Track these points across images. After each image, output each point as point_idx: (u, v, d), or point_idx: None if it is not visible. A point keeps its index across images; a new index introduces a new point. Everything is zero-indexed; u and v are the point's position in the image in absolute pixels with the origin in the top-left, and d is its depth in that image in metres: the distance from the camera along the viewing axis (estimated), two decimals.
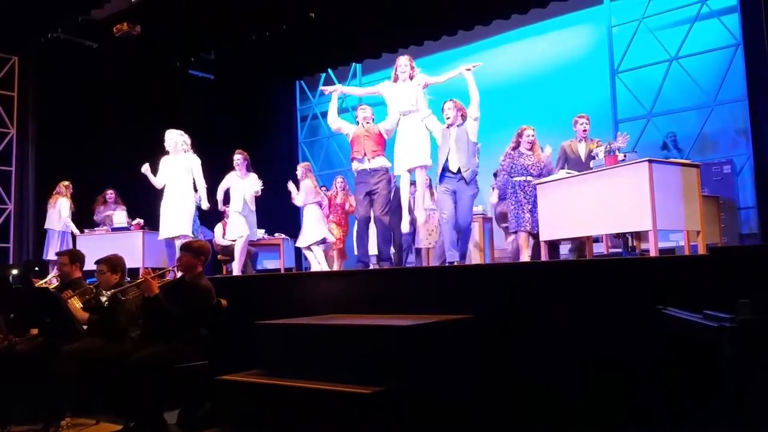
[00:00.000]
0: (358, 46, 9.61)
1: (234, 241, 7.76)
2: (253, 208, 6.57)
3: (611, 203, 4.51)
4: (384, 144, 5.54)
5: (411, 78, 5.47)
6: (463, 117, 5.28)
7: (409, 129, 5.36)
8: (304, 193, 7.04)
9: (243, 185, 6.53)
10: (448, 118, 5.28)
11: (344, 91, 6.13)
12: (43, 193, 8.83)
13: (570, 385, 3.34)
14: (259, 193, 6.59)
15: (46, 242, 7.92)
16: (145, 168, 6.31)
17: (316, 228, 6.92)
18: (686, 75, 7.84)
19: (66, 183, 8.11)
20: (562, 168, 5.67)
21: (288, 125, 11.79)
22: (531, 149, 5.66)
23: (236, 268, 6.48)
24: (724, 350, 1.90)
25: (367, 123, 5.57)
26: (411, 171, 5.35)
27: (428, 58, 10.13)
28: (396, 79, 5.52)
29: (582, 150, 5.70)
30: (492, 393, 3.51)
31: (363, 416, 2.91)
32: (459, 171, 5.14)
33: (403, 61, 5.51)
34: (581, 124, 5.81)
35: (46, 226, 8.00)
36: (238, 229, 6.49)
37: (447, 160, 5.18)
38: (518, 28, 9.06)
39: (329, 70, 10.81)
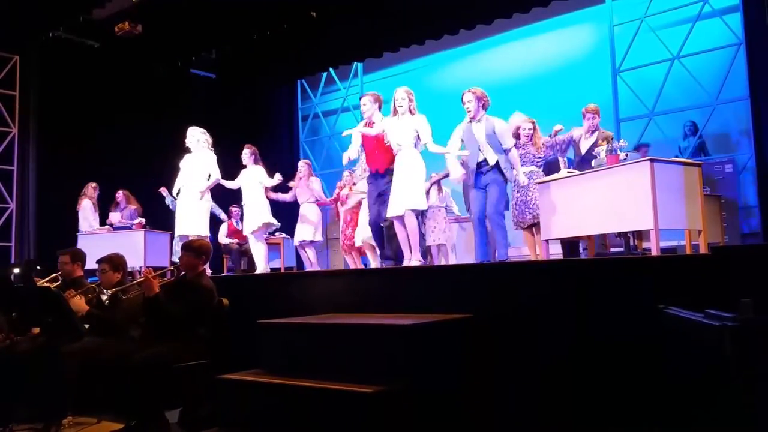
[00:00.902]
0: (359, 45, 9.61)
1: (234, 242, 7.77)
2: (262, 198, 6.46)
3: (613, 202, 4.50)
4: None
5: (411, 112, 5.13)
6: (485, 107, 5.00)
7: (403, 169, 5.04)
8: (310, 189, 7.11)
9: (251, 177, 6.51)
10: (469, 111, 4.98)
11: (349, 132, 5.65)
12: (45, 193, 8.86)
13: (570, 385, 3.34)
14: (273, 183, 6.48)
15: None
16: (165, 192, 6.36)
17: (307, 227, 7.01)
18: (688, 74, 7.82)
19: (93, 184, 8.12)
20: (565, 150, 5.68)
21: (289, 124, 11.80)
22: (530, 140, 5.60)
23: (261, 266, 6.41)
24: (725, 349, 1.90)
25: (379, 131, 5.32)
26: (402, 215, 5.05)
27: (429, 57, 10.16)
28: (395, 113, 5.17)
29: (585, 145, 5.59)
30: (492, 392, 3.51)
31: (364, 415, 2.91)
32: (486, 164, 4.90)
33: (400, 94, 5.14)
34: (588, 118, 5.69)
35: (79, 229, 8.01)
36: (251, 220, 6.41)
37: (477, 158, 4.92)
38: (520, 27, 9.05)
39: (330, 69, 10.81)
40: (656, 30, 8.09)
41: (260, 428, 3.34)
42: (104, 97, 9.23)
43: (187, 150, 6.40)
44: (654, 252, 4.16)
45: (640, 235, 5.26)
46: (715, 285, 2.81)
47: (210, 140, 6.40)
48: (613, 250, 5.81)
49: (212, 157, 6.34)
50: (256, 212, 6.41)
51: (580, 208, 4.78)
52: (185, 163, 6.36)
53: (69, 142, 8.87)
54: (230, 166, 6.72)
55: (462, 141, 5.07)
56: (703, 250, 4.40)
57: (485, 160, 4.91)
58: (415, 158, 5.09)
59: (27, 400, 4.20)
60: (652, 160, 4.26)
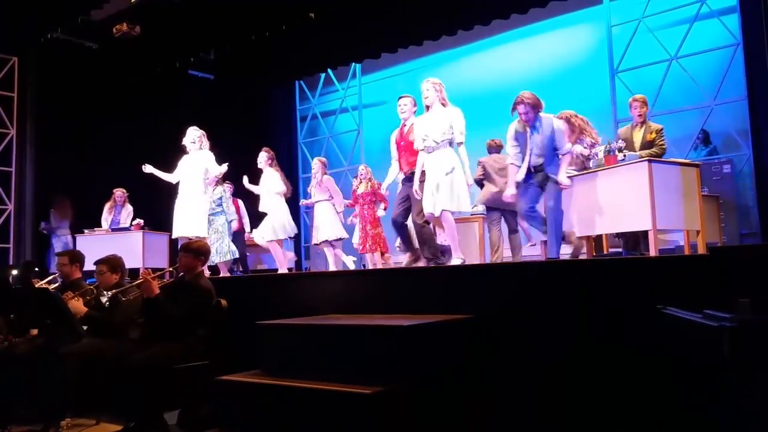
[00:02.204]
0: (357, 46, 9.62)
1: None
2: (277, 207, 6.39)
3: (611, 203, 4.51)
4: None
5: (443, 104, 4.78)
6: (537, 110, 4.56)
7: (438, 168, 4.66)
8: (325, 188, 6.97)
9: (265, 182, 6.51)
10: (522, 114, 4.58)
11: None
12: (43, 194, 8.85)
13: (570, 385, 3.34)
14: (286, 193, 6.46)
15: None
16: (149, 168, 6.33)
17: (330, 226, 6.85)
18: (686, 75, 7.84)
19: (114, 189, 8.13)
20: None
21: (287, 125, 11.81)
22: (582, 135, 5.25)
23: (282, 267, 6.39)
24: (724, 350, 1.90)
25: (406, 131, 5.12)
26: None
27: (428, 58, 10.16)
28: (427, 108, 4.84)
29: (638, 137, 5.17)
30: (492, 393, 3.51)
31: (364, 416, 2.91)
32: (539, 169, 4.54)
33: (425, 85, 4.79)
34: (635, 108, 5.25)
35: None
36: (267, 230, 6.37)
37: (530, 161, 4.58)
38: (518, 27, 9.06)
39: (329, 70, 10.82)
40: (654, 31, 8.11)
41: (259, 429, 3.33)
42: (102, 99, 9.22)
43: (185, 150, 6.40)
44: (652, 252, 4.17)
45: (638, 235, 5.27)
46: (714, 285, 2.82)
47: (207, 143, 6.39)
48: (611, 250, 5.82)
49: (210, 156, 6.34)
50: (275, 223, 6.35)
51: (579, 208, 4.78)
52: (183, 164, 6.36)
53: (67, 144, 8.87)
54: (229, 167, 6.71)
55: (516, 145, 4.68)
56: (701, 250, 4.41)
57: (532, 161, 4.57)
58: (450, 156, 4.72)
59: (26, 402, 4.20)
60: (650, 161, 4.27)
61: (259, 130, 11.05)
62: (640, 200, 4.22)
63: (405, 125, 5.22)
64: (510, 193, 4.73)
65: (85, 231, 7.81)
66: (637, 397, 3.09)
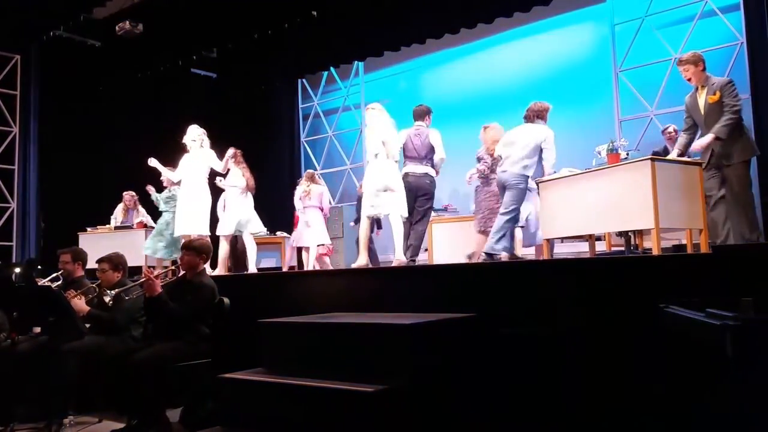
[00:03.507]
0: (360, 44, 9.62)
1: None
2: (242, 203, 6.40)
3: (613, 202, 4.50)
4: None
5: (380, 124, 5.48)
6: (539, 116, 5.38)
7: (376, 175, 5.37)
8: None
9: (231, 180, 6.51)
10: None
11: None
12: (45, 192, 8.87)
13: (572, 384, 3.34)
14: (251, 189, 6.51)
15: None
16: (154, 162, 6.35)
17: (310, 232, 7.28)
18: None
19: (123, 193, 8.20)
20: (690, 128, 4.75)
21: (290, 124, 11.80)
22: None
23: (251, 266, 6.40)
24: (726, 349, 1.90)
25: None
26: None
27: (430, 56, 10.15)
28: None
29: (702, 101, 4.55)
30: (494, 391, 3.51)
31: (367, 415, 2.91)
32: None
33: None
34: (682, 71, 4.59)
35: None
36: (232, 223, 6.39)
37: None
38: (521, 25, 9.04)
39: (331, 68, 10.81)
40: (657, 29, 8.09)
41: (262, 427, 3.34)
42: (105, 97, 9.24)
43: (186, 149, 6.39)
44: (655, 251, 4.16)
45: (641, 234, 5.26)
46: (716, 284, 2.82)
47: (208, 141, 6.39)
48: (614, 249, 5.81)
49: (212, 154, 6.36)
50: (241, 218, 6.31)
51: (581, 207, 4.77)
52: (185, 162, 6.36)
53: (70, 141, 8.88)
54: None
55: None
56: (704, 249, 4.39)
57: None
58: (382, 168, 5.34)
59: (28, 400, 4.21)
60: (652, 159, 4.26)
61: (261, 128, 11.05)
62: (642, 199, 4.21)
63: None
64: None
65: (88, 229, 7.81)
66: (638, 396, 3.08)
